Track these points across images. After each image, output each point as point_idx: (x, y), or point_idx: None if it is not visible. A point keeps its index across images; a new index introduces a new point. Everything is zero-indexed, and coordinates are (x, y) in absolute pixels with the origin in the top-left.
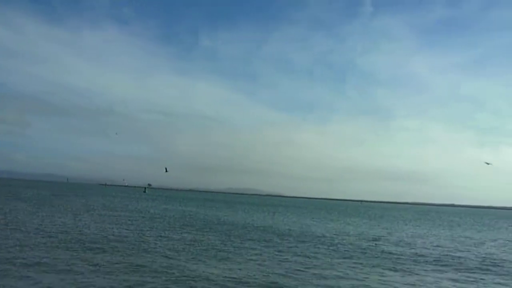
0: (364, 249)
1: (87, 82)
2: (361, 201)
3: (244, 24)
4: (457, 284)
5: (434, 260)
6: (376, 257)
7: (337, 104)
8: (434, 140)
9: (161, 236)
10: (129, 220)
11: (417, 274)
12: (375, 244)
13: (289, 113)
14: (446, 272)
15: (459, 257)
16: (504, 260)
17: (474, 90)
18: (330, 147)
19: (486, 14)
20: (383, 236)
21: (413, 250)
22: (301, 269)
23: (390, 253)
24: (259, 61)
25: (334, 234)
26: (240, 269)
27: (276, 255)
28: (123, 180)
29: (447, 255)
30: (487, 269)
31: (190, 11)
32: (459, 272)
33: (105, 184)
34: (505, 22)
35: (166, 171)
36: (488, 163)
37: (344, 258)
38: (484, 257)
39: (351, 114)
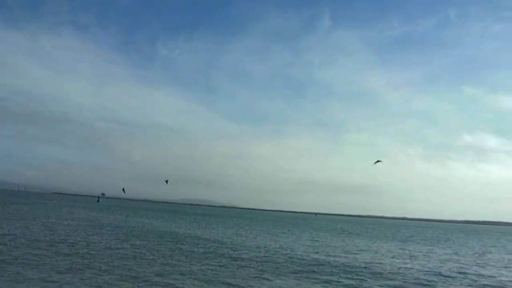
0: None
1: (43, 89)
2: (316, 213)
3: (203, 35)
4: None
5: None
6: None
7: (293, 116)
8: (386, 154)
9: (100, 246)
10: (68, 228)
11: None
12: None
13: (246, 124)
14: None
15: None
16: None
17: (425, 106)
18: (285, 159)
19: (439, 32)
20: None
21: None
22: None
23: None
24: (217, 72)
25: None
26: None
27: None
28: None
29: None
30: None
31: (150, 19)
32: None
33: (60, 193)
34: (455, 40)
35: (167, 183)
36: (378, 161)
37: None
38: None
39: (307, 127)
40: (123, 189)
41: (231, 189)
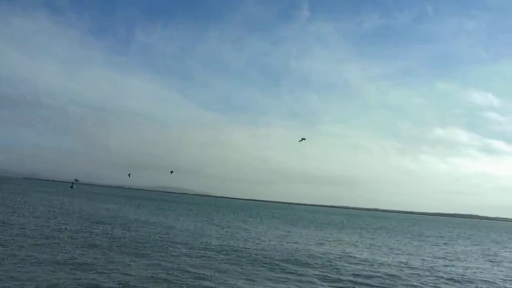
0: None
1: (15, 72)
2: (290, 203)
3: (180, 21)
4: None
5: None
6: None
7: (269, 106)
8: (361, 146)
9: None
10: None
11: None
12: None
13: (221, 113)
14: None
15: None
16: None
17: (399, 99)
18: (260, 149)
19: (416, 27)
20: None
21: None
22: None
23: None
24: (194, 59)
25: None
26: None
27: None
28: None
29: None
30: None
31: (127, 4)
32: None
33: (31, 178)
34: (431, 35)
35: (172, 172)
36: (303, 139)
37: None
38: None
39: (282, 117)
40: (129, 174)
41: (205, 177)
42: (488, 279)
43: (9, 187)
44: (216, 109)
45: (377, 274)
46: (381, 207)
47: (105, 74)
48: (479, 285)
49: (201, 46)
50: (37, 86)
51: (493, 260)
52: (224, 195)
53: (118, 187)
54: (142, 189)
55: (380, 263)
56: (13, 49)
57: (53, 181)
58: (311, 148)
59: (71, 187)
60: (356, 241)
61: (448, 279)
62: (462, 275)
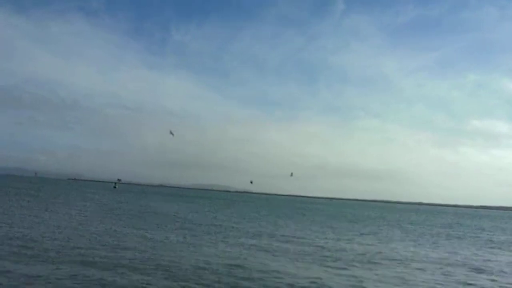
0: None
1: (53, 75)
2: (331, 198)
3: (215, 20)
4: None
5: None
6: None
7: (306, 102)
8: (398, 140)
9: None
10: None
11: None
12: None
13: (258, 110)
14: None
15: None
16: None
17: (436, 91)
18: (298, 144)
19: (453, 16)
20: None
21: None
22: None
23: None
24: (230, 57)
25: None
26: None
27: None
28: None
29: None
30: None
31: (162, 5)
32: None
33: (74, 179)
34: (470, 24)
35: (251, 183)
36: (171, 133)
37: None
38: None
39: (319, 112)
40: (251, 181)
41: (244, 174)
42: None
43: (57, 187)
44: (253, 106)
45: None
46: (425, 201)
47: (141, 74)
48: None
49: (237, 44)
50: (74, 89)
51: None
52: (265, 192)
53: (159, 185)
54: (181, 187)
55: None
56: (51, 53)
57: (96, 181)
58: (348, 143)
59: (114, 187)
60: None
61: None
62: None
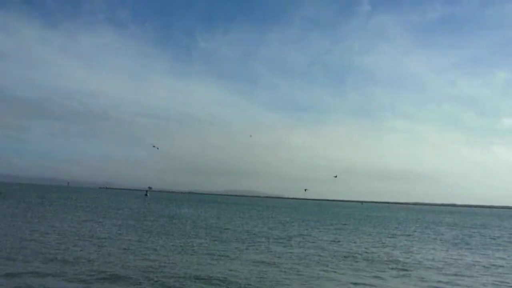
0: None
1: (83, 87)
2: (362, 201)
3: (240, 26)
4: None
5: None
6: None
7: (333, 104)
8: (427, 140)
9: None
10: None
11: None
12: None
13: (286, 114)
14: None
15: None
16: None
17: (466, 90)
18: (327, 148)
19: (483, 12)
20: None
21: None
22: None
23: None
24: (256, 62)
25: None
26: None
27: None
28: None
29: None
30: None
31: (187, 13)
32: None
33: (105, 187)
34: (500, 20)
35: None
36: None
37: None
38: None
39: (347, 115)
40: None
41: (274, 179)
42: None
43: (89, 196)
44: (280, 110)
45: None
46: (458, 202)
47: (169, 83)
48: None
49: (263, 49)
50: (104, 100)
51: None
52: (295, 196)
53: (189, 192)
54: (211, 194)
55: None
56: (81, 65)
57: (127, 189)
58: (378, 144)
59: (146, 194)
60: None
61: None
62: None
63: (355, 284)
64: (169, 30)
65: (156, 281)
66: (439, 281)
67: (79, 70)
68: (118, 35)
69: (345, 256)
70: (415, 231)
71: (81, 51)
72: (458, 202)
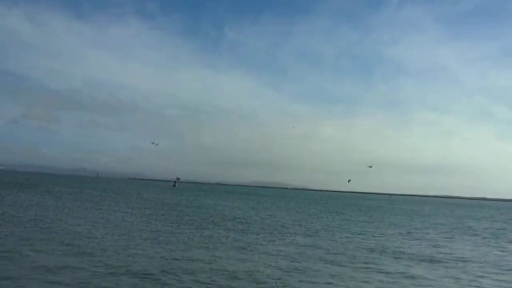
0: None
1: (112, 78)
2: (391, 194)
3: (268, 17)
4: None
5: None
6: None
7: (362, 96)
8: (457, 132)
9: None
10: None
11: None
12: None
13: (315, 106)
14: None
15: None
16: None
17: (498, 81)
18: (356, 140)
19: None
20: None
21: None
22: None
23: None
24: (285, 54)
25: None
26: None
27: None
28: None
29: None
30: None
31: (215, 4)
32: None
33: (134, 178)
34: None
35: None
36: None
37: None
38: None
39: (377, 107)
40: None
41: (302, 171)
42: None
43: (119, 187)
44: (309, 102)
45: None
46: (488, 196)
47: (197, 74)
48: None
49: (292, 40)
50: (133, 91)
51: None
52: (323, 188)
53: (217, 183)
54: (239, 185)
55: None
56: (110, 56)
57: (155, 180)
58: (406, 137)
59: (174, 185)
60: None
61: None
62: None
63: (387, 273)
64: (197, 22)
65: (182, 272)
66: (471, 275)
67: (108, 62)
68: (147, 27)
69: (371, 249)
70: (443, 224)
71: (110, 43)
72: (489, 196)
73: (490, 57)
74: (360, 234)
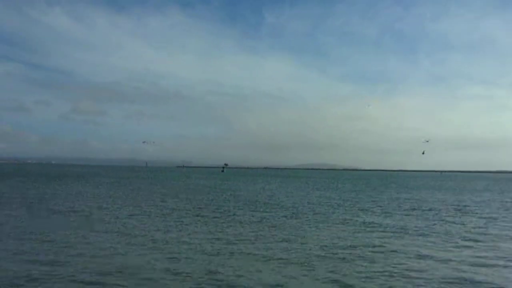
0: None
1: (154, 68)
2: (441, 171)
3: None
4: None
5: None
6: None
7: (407, 73)
8: (509, 105)
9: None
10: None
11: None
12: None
13: (358, 85)
14: None
15: None
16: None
17: None
18: (402, 118)
19: None
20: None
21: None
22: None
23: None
24: (325, 35)
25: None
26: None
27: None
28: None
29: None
30: None
31: None
32: None
33: (183, 166)
34: None
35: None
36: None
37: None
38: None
39: (422, 83)
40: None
41: (350, 151)
42: None
43: (168, 175)
44: (353, 82)
45: None
46: None
47: (239, 60)
48: None
49: (332, 20)
50: (175, 80)
51: None
52: (372, 168)
53: (265, 168)
54: (288, 168)
55: None
56: (151, 47)
57: (203, 167)
58: (454, 112)
59: (222, 171)
60: None
61: None
62: None
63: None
64: (235, 8)
65: (224, 259)
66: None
67: (150, 52)
68: (186, 16)
69: (418, 231)
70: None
71: (151, 34)
72: None
73: None
74: (408, 214)
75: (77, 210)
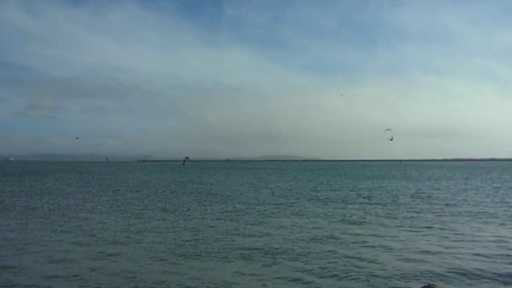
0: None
1: (112, 62)
2: (400, 160)
3: None
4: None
5: None
6: None
7: (365, 64)
8: (460, 94)
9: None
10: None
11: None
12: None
13: (317, 76)
14: None
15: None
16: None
17: (502, 41)
18: (360, 108)
19: None
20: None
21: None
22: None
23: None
24: (285, 26)
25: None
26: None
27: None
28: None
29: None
30: None
31: None
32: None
33: (144, 160)
34: None
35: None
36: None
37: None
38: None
39: (379, 74)
40: None
41: (310, 142)
42: None
43: (127, 169)
44: (312, 73)
45: None
46: (498, 156)
47: (198, 53)
48: None
49: (291, 12)
50: (134, 74)
51: None
52: (333, 158)
53: (227, 160)
54: (249, 160)
55: None
56: (108, 40)
57: (165, 161)
58: (411, 102)
59: (183, 164)
60: None
61: None
62: None
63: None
64: (195, 0)
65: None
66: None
67: (108, 46)
68: (144, 8)
69: (384, 216)
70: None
71: (109, 27)
72: (498, 156)
73: (493, 16)
74: (373, 203)
75: (31, 207)
